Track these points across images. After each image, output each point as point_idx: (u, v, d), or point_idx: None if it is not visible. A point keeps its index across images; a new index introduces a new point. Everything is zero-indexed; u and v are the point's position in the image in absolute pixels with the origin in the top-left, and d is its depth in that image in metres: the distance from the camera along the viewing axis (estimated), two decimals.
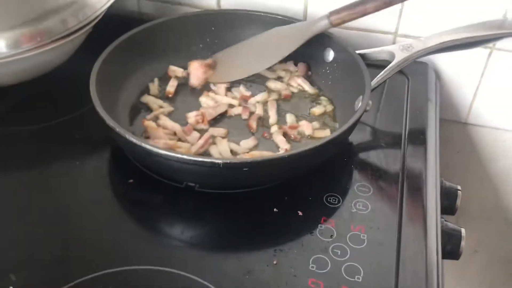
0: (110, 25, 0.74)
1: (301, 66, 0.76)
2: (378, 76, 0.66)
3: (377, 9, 0.64)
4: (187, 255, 0.52)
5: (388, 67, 0.66)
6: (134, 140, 0.53)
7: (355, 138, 0.67)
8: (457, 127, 0.90)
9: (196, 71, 0.72)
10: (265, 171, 0.55)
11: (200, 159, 0.51)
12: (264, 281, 0.49)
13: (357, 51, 0.69)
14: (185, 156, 0.51)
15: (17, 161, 0.63)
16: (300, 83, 0.74)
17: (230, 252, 0.53)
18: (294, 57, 0.77)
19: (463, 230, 0.64)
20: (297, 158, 0.54)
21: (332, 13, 0.67)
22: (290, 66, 0.76)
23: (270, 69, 0.76)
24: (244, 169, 0.52)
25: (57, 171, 0.62)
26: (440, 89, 0.84)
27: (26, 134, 0.67)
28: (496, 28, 0.70)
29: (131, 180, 0.59)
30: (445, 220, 0.64)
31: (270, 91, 0.73)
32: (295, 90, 0.73)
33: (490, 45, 0.78)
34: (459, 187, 0.70)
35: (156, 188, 0.59)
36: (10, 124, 0.68)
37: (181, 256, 0.52)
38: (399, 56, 0.68)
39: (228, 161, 0.51)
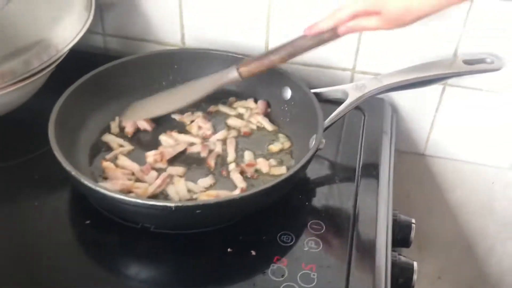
0: (74, 62, 0.75)
1: (261, 104, 0.78)
2: (331, 115, 0.68)
3: (282, 60, 0.66)
4: None
5: (341, 106, 0.69)
6: (88, 183, 0.55)
7: (312, 173, 0.69)
8: (416, 159, 0.92)
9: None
10: (217, 213, 0.56)
11: (152, 202, 0.53)
12: None
13: (313, 90, 0.72)
14: (138, 200, 0.53)
15: None
16: (259, 120, 0.76)
17: None
18: (255, 95, 0.79)
19: (415, 264, 0.66)
20: (248, 200, 0.55)
21: (241, 65, 0.68)
22: (250, 103, 0.79)
23: (230, 106, 0.79)
24: (197, 211, 0.54)
25: (15, 211, 0.63)
26: (397, 122, 0.87)
27: None
28: (447, 68, 0.74)
29: (88, 221, 0.60)
30: (399, 254, 0.66)
31: (230, 128, 0.75)
32: (254, 127, 0.75)
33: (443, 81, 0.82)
34: (413, 220, 0.73)
35: (112, 229, 0.60)
36: None
37: None
38: (353, 96, 0.70)
39: (180, 204, 0.53)
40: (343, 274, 0.56)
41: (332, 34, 0.62)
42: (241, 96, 0.80)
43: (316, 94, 0.72)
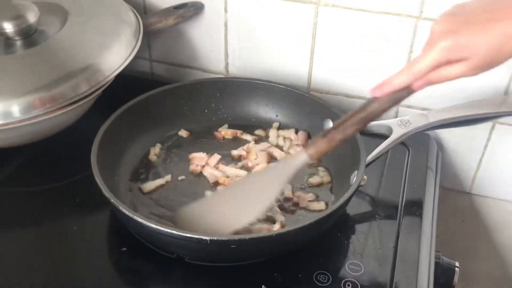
0: (121, 86, 0.75)
1: (301, 135, 0.77)
2: (374, 151, 0.67)
3: (357, 132, 0.58)
4: None
5: (384, 142, 0.67)
6: (125, 211, 0.55)
7: (352, 209, 0.68)
8: (461, 197, 0.89)
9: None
10: (253, 248, 0.55)
11: (187, 234, 0.53)
12: None
13: None
14: (174, 231, 0.53)
15: (16, 222, 0.65)
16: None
17: None
18: (295, 125, 0.79)
19: None
20: (285, 237, 0.54)
21: (307, 147, 0.59)
22: (291, 134, 0.78)
23: (271, 134, 0.78)
24: (232, 246, 0.53)
25: (55, 234, 0.64)
26: (443, 159, 0.84)
27: (28, 196, 0.69)
28: (497, 106, 0.71)
29: (124, 248, 0.61)
30: None
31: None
32: None
33: None
34: (457, 264, 0.69)
35: (147, 257, 0.60)
36: (13, 185, 0.71)
37: None
38: (397, 132, 0.69)
39: (215, 238, 0.52)
40: None
41: (407, 91, 0.54)
42: (282, 126, 0.80)
43: None
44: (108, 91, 0.75)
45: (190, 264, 0.59)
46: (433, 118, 0.70)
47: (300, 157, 0.59)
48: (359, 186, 0.62)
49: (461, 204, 0.90)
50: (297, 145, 0.76)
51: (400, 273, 0.59)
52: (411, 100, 0.80)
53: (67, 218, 0.65)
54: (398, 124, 0.69)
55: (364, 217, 0.68)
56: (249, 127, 0.79)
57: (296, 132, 0.78)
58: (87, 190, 0.68)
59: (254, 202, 0.60)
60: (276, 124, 0.80)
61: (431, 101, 0.78)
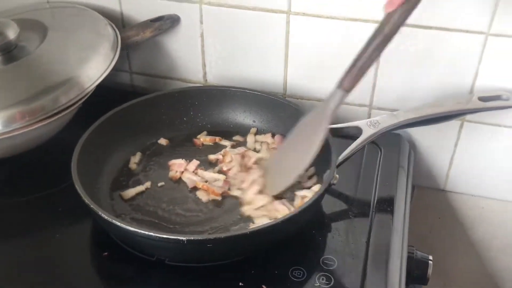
0: (103, 98, 0.78)
1: (278, 138, 0.80)
2: (345, 151, 0.69)
3: (379, 53, 0.60)
4: None
5: (354, 143, 0.70)
6: (104, 216, 0.57)
7: (327, 208, 0.70)
8: (436, 194, 0.92)
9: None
10: (229, 247, 0.57)
11: (165, 236, 0.55)
12: None
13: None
14: (151, 233, 0.55)
15: None
16: None
17: None
18: (272, 129, 0.82)
19: None
20: (259, 234, 0.56)
21: (343, 82, 0.62)
22: (268, 138, 0.80)
23: (249, 140, 0.81)
24: (208, 245, 0.55)
25: (38, 243, 0.65)
26: (417, 158, 0.87)
27: (11, 206, 0.71)
28: (462, 105, 0.74)
29: (105, 253, 0.63)
30: None
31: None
32: None
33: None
34: (430, 257, 0.72)
35: (129, 261, 0.62)
36: None
37: None
38: (367, 132, 0.71)
39: (191, 238, 0.55)
40: None
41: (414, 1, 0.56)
42: (259, 131, 0.82)
43: (331, 130, 0.73)
44: (91, 103, 0.78)
45: (170, 266, 0.61)
46: (401, 118, 0.73)
47: (338, 95, 0.63)
48: (330, 184, 0.65)
49: (436, 202, 0.93)
50: (274, 148, 0.78)
51: (372, 266, 0.61)
52: (382, 102, 0.85)
53: (50, 227, 0.67)
54: (367, 124, 0.72)
55: (339, 215, 0.70)
56: (227, 134, 0.82)
57: (273, 136, 0.81)
58: (69, 199, 0.70)
59: (304, 150, 0.65)
60: (253, 130, 0.82)
61: (401, 103, 0.82)
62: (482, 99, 0.73)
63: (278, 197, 0.68)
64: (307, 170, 0.70)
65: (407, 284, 0.67)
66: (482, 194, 0.89)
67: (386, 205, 0.71)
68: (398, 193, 0.73)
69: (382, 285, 0.59)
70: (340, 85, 0.63)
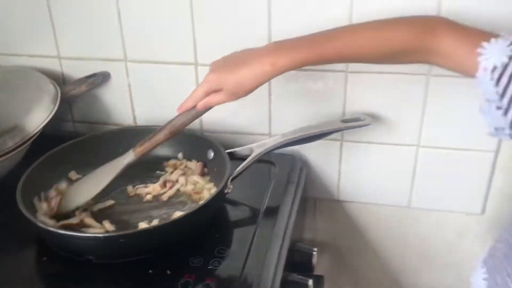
0: (50, 144, 0.95)
1: (198, 165, 0.98)
2: (238, 167, 0.88)
3: (166, 137, 0.85)
4: None
5: (246, 160, 0.89)
6: (31, 218, 0.73)
7: (225, 212, 0.88)
8: (333, 204, 1.10)
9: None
10: (139, 241, 0.74)
11: (85, 234, 0.71)
12: None
13: (227, 150, 0.92)
14: (73, 233, 0.72)
15: None
16: (195, 179, 0.95)
17: None
18: (194, 157, 0.99)
19: (310, 281, 0.82)
20: (162, 230, 0.74)
21: (137, 147, 0.86)
22: (193, 165, 0.98)
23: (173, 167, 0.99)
24: (121, 240, 0.72)
25: None
26: (311, 174, 1.06)
27: None
28: (329, 126, 0.94)
29: (44, 258, 0.78)
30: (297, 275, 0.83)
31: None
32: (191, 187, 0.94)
33: (339, 138, 1.02)
34: (315, 249, 0.90)
35: (62, 263, 0.77)
36: None
37: None
38: (256, 151, 0.90)
39: (107, 235, 0.71)
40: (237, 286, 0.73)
41: (197, 110, 0.82)
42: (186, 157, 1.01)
43: (230, 153, 0.92)
44: (39, 148, 0.94)
45: (97, 264, 0.77)
46: (284, 138, 0.92)
47: (129, 156, 0.86)
48: (224, 193, 0.83)
49: (334, 211, 1.11)
50: (193, 174, 0.96)
51: (254, 255, 0.78)
52: (280, 130, 1.04)
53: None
54: (257, 146, 0.91)
55: (234, 218, 0.89)
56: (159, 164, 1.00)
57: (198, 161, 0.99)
58: (14, 223, 0.85)
59: (91, 187, 0.86)
60: (180, 156, 1.00)
61: (288, 128, 1.01)
62: (344, 121, 0.94)
63: None
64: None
65: (294, 270, 0.84)
66: (372, 201, 1.08)
67: (273, 211, 0.88)
68: (284, 203, 0.91)
69: (260, 267, 0.76)
70: (134, 149, 0.86)
